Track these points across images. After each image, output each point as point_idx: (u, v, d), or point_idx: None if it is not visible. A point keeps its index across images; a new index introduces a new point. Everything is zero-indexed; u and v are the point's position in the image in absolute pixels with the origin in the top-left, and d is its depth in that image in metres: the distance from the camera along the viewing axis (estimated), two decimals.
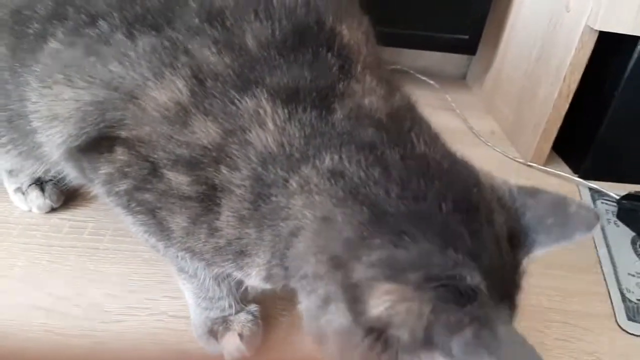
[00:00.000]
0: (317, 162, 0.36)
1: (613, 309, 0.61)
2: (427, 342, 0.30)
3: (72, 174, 0.48)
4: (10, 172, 0.62)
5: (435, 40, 0.96)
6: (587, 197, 0.79)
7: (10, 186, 0.63)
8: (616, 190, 0.79)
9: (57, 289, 0.54)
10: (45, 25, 0.42)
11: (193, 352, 0.50)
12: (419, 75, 1.05)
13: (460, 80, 1.14)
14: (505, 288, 0.36)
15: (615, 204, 0.78)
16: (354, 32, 0.41)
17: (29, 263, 0.56)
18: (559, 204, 0.39)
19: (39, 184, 0.62)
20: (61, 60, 0.41)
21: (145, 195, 0.40)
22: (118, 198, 0.42)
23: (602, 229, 0.74)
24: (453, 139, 0.77)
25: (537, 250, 0.38)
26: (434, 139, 0.39)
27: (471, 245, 0.33)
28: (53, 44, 0.42)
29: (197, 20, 0.38)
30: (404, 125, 0.39)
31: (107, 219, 0.62)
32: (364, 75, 0.40)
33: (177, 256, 0.46)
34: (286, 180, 0.36)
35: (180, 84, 0.37)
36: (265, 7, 0.38)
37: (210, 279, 0.48)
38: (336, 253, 0.34)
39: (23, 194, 0.62)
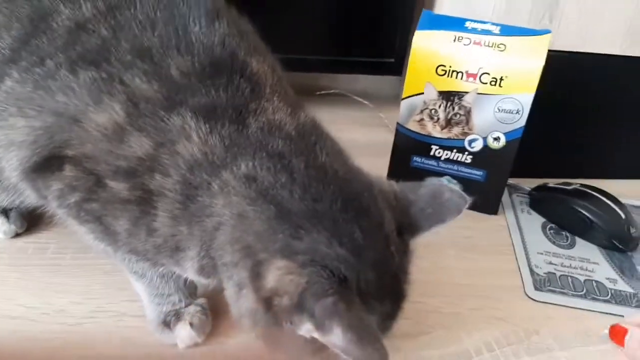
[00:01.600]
0: (235, 168, 0.43)
1: (522, 282, 0.70)
2: (299, 305, 0.39)
3: (30, 195, 0.54)
4: None
5: (364, 64, 1.07)
6: (505, 192, 0.89)
7: None
8: (528, 184, 0.89)
9: (26, 299, 0.60)
10: (4, 69, 0.48)
11: (151, 344, 0.56)
12: (356, 97, 1.16)
13: (394, 99, 1.24)
14: (391, 275, 0.44)
15: (527, 195, 0.88)
16: (261, 64, 0.49)
17: None
18: (435, 195, 0.48)
19: (3, 211, 0.68)
20: (14, 95, 0.47)
21: (92, 205, 0.46)
22: (69, 210, 0.48)
23: (516, 218, 0.84)
24: (385, 151, 0.87)
25: (419, 233, 0.47)
26: (335, 152, 0.47)
27: (358, 241, 0.41)
28: (8, 82, 0.48)
29: (129, 57, 0.45)
30: (310, 139, 0.46)
31: (68, 240, 0.68)
32: (272, 97, 0.47)
33: (125, 259, 0.52)
34: (209, 184, 0.43)
35: (117, 107, 0.44)
36: (186, 45, 0.46)
37: (157, 278, 0.54)
38: (248, 243, 0.42)
39: None
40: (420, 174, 0.82)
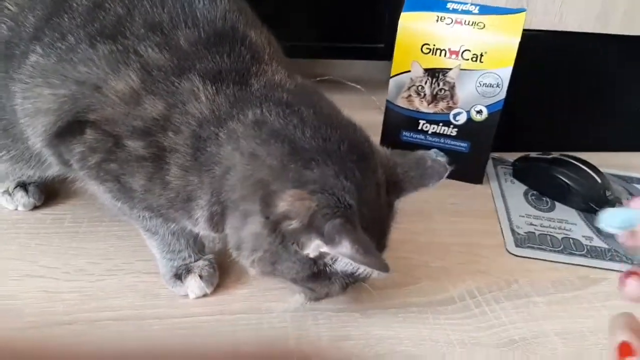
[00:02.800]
0: (242, 117, 0.48)
1: (504, 240, 0.76)
2: (309, 225, 0.45)
3: (52, 162, 0.59)
4: None
5: (355, 50, 1.13)
6: (490, 164, 0.95)
7: None
8: (512, 157, 0.95)
9: (47, 261, 0.65)
10: (28, 46, 0.54)
11: (164, 295, 0.62)
12: (349, 83, 1.21)
13: (385, 83, 1.30)
14: (379, 221, 0.50)
15: (511, 166, 0.94)
16: (259, 36, 0.55)
17: (20, 247, 0.67)
18: (420, 161, 0.54)
19: (22, 186, 0.73)
20: (40, 67, 0.53)
21: (111, 165, 0.52)
22: (89, 171, 0.54)
23: (500, 187, 0.89)
24: (379, 130, 0.92)
25: (404, 194, 0.53)
26: (335, 108, 0.53)
27: (358, 179, 0.47)
28: (33, 57, 0.53)
29: (142, 30, 0.50)
30: (312, 95, 0.52)
31: (83, 210, 0.74)
32: (271, 62, 0.53)
33: (140, 216, 0.58)
34: (217, 134, 0.48)
35: (133, 75, 0.49)
36: (192, 19, 0.51)
37: (169, 235, 0.60)
38: (261, 177, 0.47)
39: (10, 195, 0.73)
40: (410, 148, 0.86)
